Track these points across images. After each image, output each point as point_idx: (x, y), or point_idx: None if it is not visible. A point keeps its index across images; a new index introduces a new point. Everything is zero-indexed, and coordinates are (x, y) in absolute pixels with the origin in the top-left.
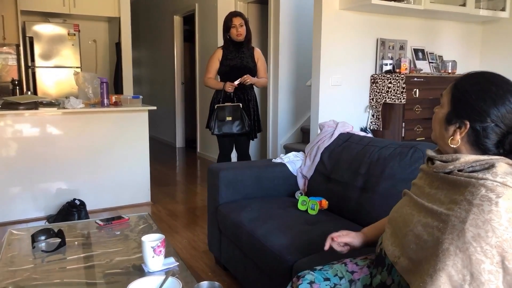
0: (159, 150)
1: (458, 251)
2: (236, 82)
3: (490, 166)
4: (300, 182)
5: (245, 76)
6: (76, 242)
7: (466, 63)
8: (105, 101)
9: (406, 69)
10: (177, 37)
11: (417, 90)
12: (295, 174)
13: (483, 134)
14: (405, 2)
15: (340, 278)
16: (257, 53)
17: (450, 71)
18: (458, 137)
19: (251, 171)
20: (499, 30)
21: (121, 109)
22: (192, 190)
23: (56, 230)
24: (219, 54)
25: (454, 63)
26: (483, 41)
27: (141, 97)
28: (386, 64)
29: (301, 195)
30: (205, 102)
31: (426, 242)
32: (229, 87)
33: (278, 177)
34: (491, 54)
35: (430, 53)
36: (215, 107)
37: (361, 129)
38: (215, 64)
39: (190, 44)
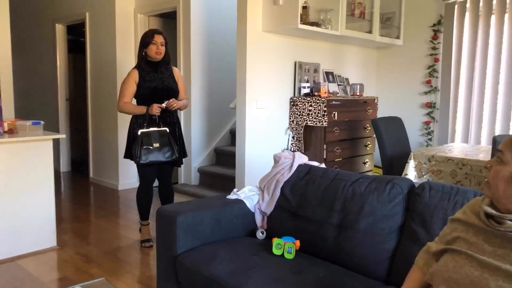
0: None
1: None
2: (164, 104)
3: None
4: (258, 219)
5: (171, 100)
6: None
7: (365, 85)
8: None
9: (325, 92)
10: (60, 48)
11: (336, 112)
12: (253, 211)
13: None
14: (323, 27)
15: None
16: (177, 73)
17: (358, 93)
18: None
19: (210, 212)
20: (391, 55)
21: (19, 139)
22: (102, 227)
23: None
24: (135, 76)
25: (362, 86)
26: (378, 64)
27: (42, 123)
28: (305, 87)
29: (263, 234)
30: (101, 121)
31: None
32: (157, 109)
33: (236, 215)
34: (384, 77)
35: (338, 76)
36: (139, 133)
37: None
38: (131, 87)
39: (77, 56)
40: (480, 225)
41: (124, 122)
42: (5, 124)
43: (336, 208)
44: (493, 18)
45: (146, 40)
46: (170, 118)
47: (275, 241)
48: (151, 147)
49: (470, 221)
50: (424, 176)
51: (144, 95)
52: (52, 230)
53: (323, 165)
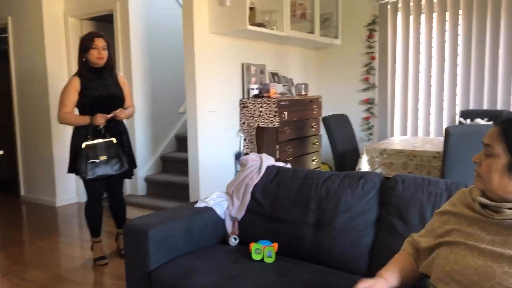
0: None
1: None
2: (110, 115)
3: None
4: (229, 225)
5: (118, 111)
6: None
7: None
8: None
9: (275, 93)
10: None
11: (286, 112)
12: (223, 218)
13: None
14: (268, 28)
15: None
16: (122, 79)
17: (303, 93)
18: None
19: (181, 223)
20: (330, 55)
21: None
22: (45, 248)
23: None
24: (76, 83)
25: (306, 86)
26: (317, 64)
27: None
28: (253, 89)
29: (236, 240)
30: (32, 135)
31: None
32: (101, 119)
33: (207, 224)
34: (324, 76)
35: (283, 76)
36: (83, 146)
37: (235, 155)
38: (72, 96)
39: None
40: (473, 215)
41: (60, 133)
42: None
43: (311, 207)
44: (423, 17)
45: (85, 44)
46: (116, 127)
47: (254, 246)
48: (97, 161)
49: (462, 213)
50: (377, 169)
51: (87, 104)
52: None
53: (289, 165)
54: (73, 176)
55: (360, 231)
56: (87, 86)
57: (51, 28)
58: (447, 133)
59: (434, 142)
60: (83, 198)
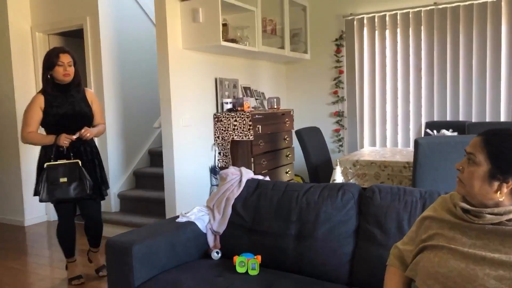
0: None
1: None
2: (75, 136)
3: None
4: (211, 239)
5: (83, 130)
6: None
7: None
8: None
9: (248, 107)
10: None
11: (260, 126)
12: (205, 232)
13: None
14: (241, 43)
15: None
16: (90, 95)
17: (275, 106)
18: (505, 190)
19: (164, 238)
20: (299, 69)
21: None
22: (17, 269)
23: None
24: (40, 101)
25: (278, 99)
26: (288, 78)
27: None
28: (227, 103)
29: (218, 253)
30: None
31: None
32: (65, 140)
33: (190, 238)
34: (294, 89)
35: (255, 90)
36: (45, 166)
37: (210, 168)
38: (36, 115)
39: None
40: (455, 220)
41: (27, 151)
42: None
43: (292, 219)
44: (387, 32)
45: (50, 61)
46: (85, 146)
47: (238, 259)
48: (57, 182)
49: (444, 218)
50: (351, 180)
51: (52, 123)
52: None
53: (268, 178)
54: None
55: (341, 241)
56: (51, 104)
57: (17, 44)
58: (417, 144)
59: (403, 153)
60: (53, 216)
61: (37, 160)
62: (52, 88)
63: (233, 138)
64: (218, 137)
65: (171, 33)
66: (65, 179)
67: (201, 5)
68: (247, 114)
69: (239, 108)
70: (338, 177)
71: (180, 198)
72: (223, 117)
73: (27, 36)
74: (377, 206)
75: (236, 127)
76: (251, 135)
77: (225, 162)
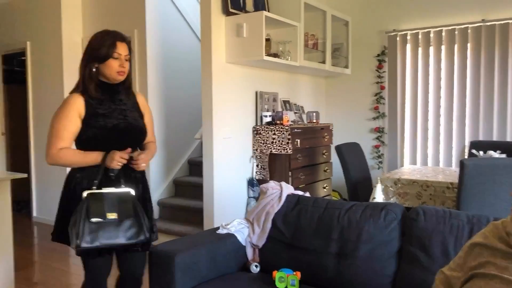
0: None
1: None
2: (134, 154)
3: None
4: (250, 253)
5: (136, 154)
6: None
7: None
8: None
9: (288, 120)
10: None
11: (299, 140)
12: (244, 245)
13: None
14: (282, 58)
15: None
16: (143, 101)
17: (314, 120)
18: None
19: (205, 249)
20: (339, 84)
21: None
22: (59, 269)
23: None
24: (79, 106)
25: (318, 113)
26: (327, 93)
27: None
28: (266, 116)
29: (257, 267)
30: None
31: None
32: (120, 161)
33: (230, 250)
34: (334, 104)
35: (294, 104)
36: (85, 194)
37: (248, 181)
38: (72, 125)
39: (12, 87)
40: (507, 250)
41: None
42: None
43: (333, 236)
44: (431, 49)
45: (102, 50)
46: (135, 173)
47: (277, 274)
48: (103, 220)
49: (496, 246)
50: (391, 199)
51: (92, 140)
52: (11, 281)
53: (308, 194)
54: None
55: (383, 262)
56: (95, 112)
57: (69, 54)
58: (463, 165)
59: (446, 173)
60: None
61: (63, 188)
62: (96, 88)
63: (271, 151)
64: (256, 149)
65: (215, 47)
66: (114, 215)
67: (245, 20)
68: (286, 127)
69: (278, 122)
70: (378, 195)
71: (218, 208)
72: (262, 130)
73: (78, 47)
74: (421, 229)
75: (274, 140)
76: (289, 149)
77: (262, 175)
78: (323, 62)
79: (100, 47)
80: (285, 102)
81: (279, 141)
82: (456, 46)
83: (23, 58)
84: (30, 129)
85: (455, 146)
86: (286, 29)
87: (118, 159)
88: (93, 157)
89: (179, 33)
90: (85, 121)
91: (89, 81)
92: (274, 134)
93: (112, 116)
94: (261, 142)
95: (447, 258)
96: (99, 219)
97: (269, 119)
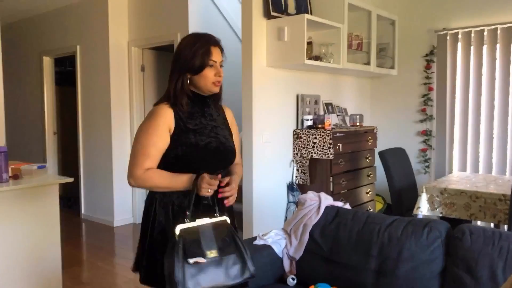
0: None
1: None
2: (225, 180)
3: None
4: (287, 264)
5: (227, 180)
6: None
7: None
8: (4, 175)
9: (329, 124)
10: (48, 80)
11: (340, 144)
12: (281, 256)
13: None
14: (324, 60)
15: None
16: (230, 115)
17: (358, 123)
18: None
19: None
20: (385, 85)
21: (26, 185)
22: (105, 269)
23: None
24: (169, 119)
25: (361, 116)
26: (372, 94)
27: (47, 165)
28: (307, 119)
29: (293, 280)
30: (93, 155)
31: None
32: (211, 186)
33: (266, 262)
34: (378, 106)
35: (337, 106)
36: (178, 231)
37: (288, 185)
38: (162, 141)
39: (63, 89)
40: None
41: (119, 156)
42: (10, 169)
43: (373, 253)
44: (485, 48)
45: (196, 61)
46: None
47: None
48: (202, 260)
49: None
50: (437, 209)
51: (183, 159)
52: (58, 280)
53: (348, 206)
54: (129, 197)
55: (425, 282)
56: (186, 127)
57: (115, 57)
58: None
59: (498, 182)
60: (139, 219)
61: (143, 215)
62: (187, 102)
63: (312, 155)
64: (297, 153)
65: (256, 51)
66: (214, 252)
67: (287, 23)
68: (328, 132)
69: (319, 125)
70: (423, 204)
71: (257, 212)
72: (303, 134)
73: (124, 50)
74: (467, 249)
75: (315, 145)
76: (331, 154)
77: (303, 179)
78: (368, 63)
79: (193, 56)
80: (328, 105)
81: (320, 145)
82: None
83: (73, 60)
84: (79, 130)
85: (510, 151)
86: (329, 30)
87: (207, 184)
88: (182, 181)
89: (222, 36)
90: (174, 137)
91: (181, 94)
92: (315, 138)
93: (204, 133)
94: (301, 146)
95: (495, 283)
96: (199, 260)
97: (310, 122)
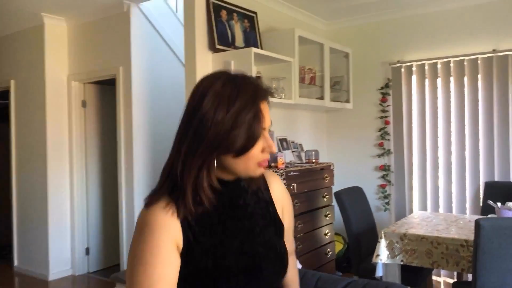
0: None
1: None
2: None
3: None
4: None
5: None
6: None
7: (317, 148)
8: None
9: (283, 163)
10: None
11: (295, 184)
12: None
13: None
14: (276, 96)
15: None
16: (278, 189)
17: (314, 160)
18: None
19: None
20: (341, 118)
21: None
22: None
23: None
24: (175, 231)
25: (317, 152)
26: (328, 128)
27: None
28: None
29: None
30: (27, 197)
31: None
32: None
33: None
34: (335, 140)
35: (292, 142)
36: None
37: None
38: (171, 268)
39: None
40: None
41: (56, 201)
42: None
43: None
44: (439, 80)
45: (243, 130)
46: None
47: None
48: None
49: None
50: (397, 257)
51: (196, 285)
52: None
53: (299, 265)
54: (67, 245)
55: None
56: (198, 240)
57: (52, 92)
58: (478, 226)
59: (459, 224)
60: (78, 271)
61: None
62: (209, 198)
63: None
64: None
65: None
66: None
67: (233, 57)
68: (281, 172)
69: (272, 165)
70: (383, 252)
71: None
72: None
73: (63, 85)
74: None
75: None
76: None
77: None
78: (322, 97)
79: (234, 126)
80: (282, 141)
81: None
82: (465, 78)
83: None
84: (12, 170)
85: (469, 187)
86: (279, 64)
87: None
88: None
89: (168, 67)
90: (185, 255)
91: (201, 187)
92: None
93: (231, 246)
94: None
95: None
96: None
97: None
